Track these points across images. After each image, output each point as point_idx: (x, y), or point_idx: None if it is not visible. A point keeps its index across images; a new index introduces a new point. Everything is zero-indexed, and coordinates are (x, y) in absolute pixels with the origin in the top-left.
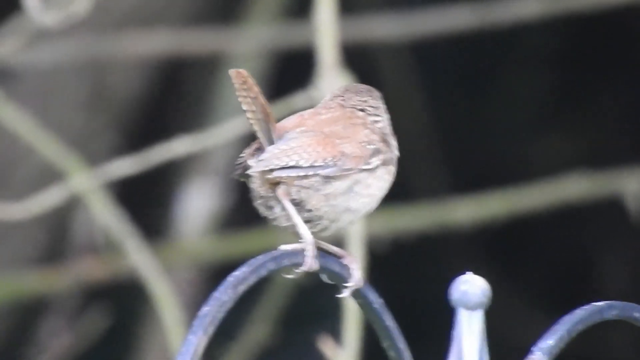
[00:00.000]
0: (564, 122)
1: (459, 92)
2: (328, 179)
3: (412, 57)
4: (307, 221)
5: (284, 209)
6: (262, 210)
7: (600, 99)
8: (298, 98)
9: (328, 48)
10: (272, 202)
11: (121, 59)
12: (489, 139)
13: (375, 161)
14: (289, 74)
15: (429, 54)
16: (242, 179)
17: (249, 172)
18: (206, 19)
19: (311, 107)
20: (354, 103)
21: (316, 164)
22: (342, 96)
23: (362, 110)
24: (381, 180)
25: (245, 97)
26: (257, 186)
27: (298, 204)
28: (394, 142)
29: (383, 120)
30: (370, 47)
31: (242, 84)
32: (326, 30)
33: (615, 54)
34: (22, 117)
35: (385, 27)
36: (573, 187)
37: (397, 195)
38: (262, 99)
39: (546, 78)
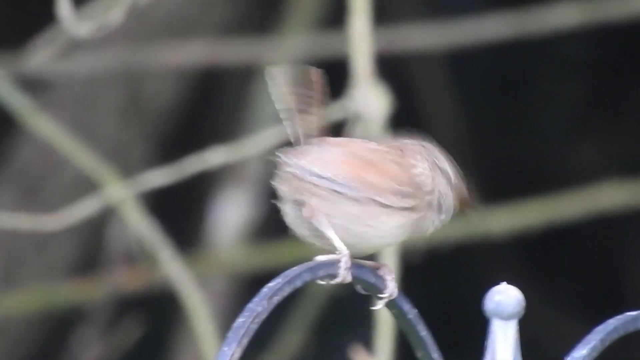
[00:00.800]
0: (599, 130)
1: (493, 101)
2: (343, 197)
3: (447, 66)
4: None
5: (311, 222)
6: (286, 217)
7: (635, 107)
8: (332, 108)
9: (363, 58)
10: (288, 207)
11: (156, 69)
12: (524, 148)
13: (398, 201)
14: (325, 83)
15: (464, 63)
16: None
17: (270, 159)
18: (241, 28)
19: (344, 117)
20: (414, 150)
21: (336, 179)
22: (406, 143)
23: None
24: (397, 221)
25: (286, 96)
26: (279, 185)
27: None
28: (432, 210)
29: (430, 178)
30: (405, 57)
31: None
32: (361, 40)
33: None
34: (56, 127)
35: (421, 37)
36: (608, 196)
37: None
38: (302, 102)
39: (581, 86)
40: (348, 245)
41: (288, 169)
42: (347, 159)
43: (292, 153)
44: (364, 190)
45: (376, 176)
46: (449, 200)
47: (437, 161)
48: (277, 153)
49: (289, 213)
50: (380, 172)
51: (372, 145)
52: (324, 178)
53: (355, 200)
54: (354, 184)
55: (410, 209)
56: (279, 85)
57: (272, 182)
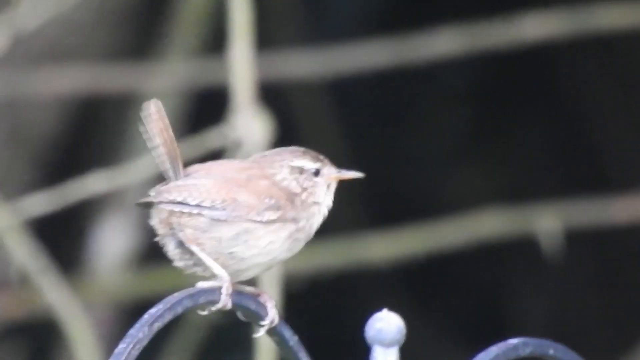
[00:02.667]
0: (480, 157)
1: (376, 128)
2: (215, 221)
3: (329, 92)
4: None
5: (190, 252)
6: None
7: (515, 135)
8: (212, 135)
9: (243, 85)
10: (166, 240)
11: (37, 96)
12: (407, 174)
13: (270, 215)
14: (205, 111)
15: (346, 90)
16: (144, 209)
17: (140, 201)
18: (123, 55)
19: (224, 145)
20: (271, 160)
21: (203, 204)
22: (264, 155)
23: (274, 168)
24: (274, 236)
25: (155, 129)
26: (155, 222)
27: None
28: (310, 206)
29: (294, 180)
30: (286, 84)
31: (156, 113)
32: (241, 67)
33: (531, 90)
34: None
35: (302, 64)
36: (488, 224)
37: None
38: (170, 135)
39: (462, 113)
40: (233, 269)
41: (161, 205)
42: (216, 183)
43: (162, 189)
44: (236, 211)
45: (246, 195)
46: (320, 187)
47: (290, 162)
48: (148, 192)
49: (169, 246)
50: (249, 190)
51: (236, 164)
52: (193, 206)
53: (229, 222)
54: (224, 206)
55: (285, 220)
56: (153, 122)
57: (149, 222)
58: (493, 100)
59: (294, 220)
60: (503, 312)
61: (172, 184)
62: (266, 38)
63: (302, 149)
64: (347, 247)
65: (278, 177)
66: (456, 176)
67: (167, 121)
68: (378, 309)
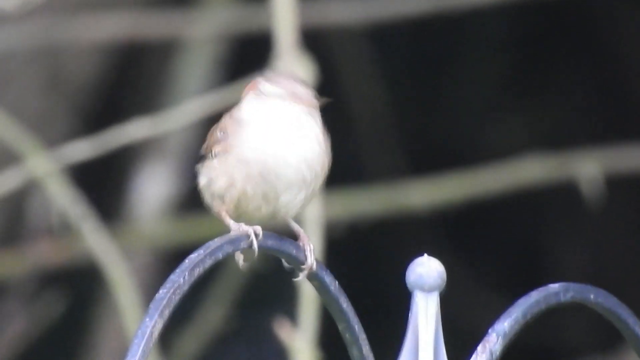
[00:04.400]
0: (520, 105)
1: (415, 76)
2: (200, 168)
3: (370, 39)
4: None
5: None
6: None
7: (555, 82)
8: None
9: (286, 31)
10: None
11: (77, 43)
12: (446, 122)
13: (217, 148)
14: (247, 57)
15: (386, 37)
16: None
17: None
18: (163, 2)
19: None
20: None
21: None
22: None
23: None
24: (229, 168)
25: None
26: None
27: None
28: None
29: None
30: (327, 31)
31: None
32: (284, 13)
33: (571, 38)
34: None
35: (343, 11)
36: (528, 170)
37: (353, 178)
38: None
39: (502, 61)
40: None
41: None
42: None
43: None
44: (205, 151)
45: (212, 134)
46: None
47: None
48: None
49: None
50: (215, 129)
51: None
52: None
53: (204, 165)
54: (203, 149)
55: (227, 149)
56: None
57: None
58: (533, 48)
59: (232, 147)
60: (543, 258)
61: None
62: None
63: (287, 77)
64: (387, 194)
65: (241, 106)
66: (496, 124)
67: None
68: (418, 254)
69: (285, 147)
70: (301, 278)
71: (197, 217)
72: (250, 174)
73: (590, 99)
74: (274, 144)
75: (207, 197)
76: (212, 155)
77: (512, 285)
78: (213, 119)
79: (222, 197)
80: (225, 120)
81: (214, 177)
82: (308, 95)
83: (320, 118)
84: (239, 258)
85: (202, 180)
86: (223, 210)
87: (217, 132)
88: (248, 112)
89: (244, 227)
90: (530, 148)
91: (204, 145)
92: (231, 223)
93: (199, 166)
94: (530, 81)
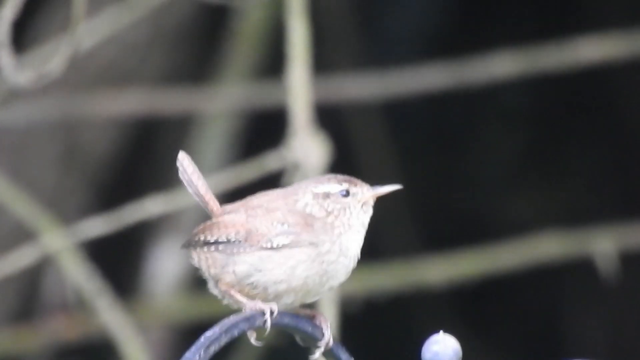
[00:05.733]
0: (537, 179)
1: (432, 149)
2: (230, 255)
3: (385, 114)
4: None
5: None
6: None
7: (572, 156)
8: (270, 158)
9: (301, 107)
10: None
11: (94, 118)
12: (462, 196)
13: (281, 240)
14: (262, 133)
15: (402, 112)
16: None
17: (183, 245)
18: (179, 77)
19: (282, 167)
20: (298, 188)
21: (220, 240)
22: (300, 183)
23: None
24: (292, 261)
25: (184, 179)
26: (196, 261)
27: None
28: (336, 228)
29: (317, 205)
30: (343, 107)
31: (188, 165)
32: (299, 89)
33: (588, 112)
34: None
35: (359, 87)
36: (545, 247)
37: (369, 254)
38: (199, 183)
39: (519, 136)
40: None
41: (186, 244)
42: (240, 218)
43: (196, 229)
44: (248, 241)
45: (260, 224)
46: (351, 208)
47: (314, 189)
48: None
49: (212, 289)
50: (264, 219)
51: (272, 194)
52: (212, 243)
53: (243, 253)
54: (238, 238)
55: (300, 244)
56: (188, 172)
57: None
58: (550, 122)
59: (313, 244)
60: (560, 334)
61: (205, 224)
62: (323, 61)
63: (330, 175)
64: (403, 269)
65: (300, 203)
66: (512, 198)
67: (197, 170)
68: (434, 331)
69: (353, 248)
70: (318, 355)
71: (210, 293)
72: (317, 273)
73: (607, 173)
74: (353, 247)
75: (227, 281)
76: (272, 246)
77: (529, 359)
78: (229, 195)
79: (265, 288)
80: (284, 213)
81: (268, 269)
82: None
83: None
84: (251, 335)
85: (240, 269)
86: (233, 290)
87: (274, 223)
88: (346, 217)
89: (260, 305)
90: (547, 222)
91: (235, 232)
92: (245, 301)
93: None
94: (547, 157)
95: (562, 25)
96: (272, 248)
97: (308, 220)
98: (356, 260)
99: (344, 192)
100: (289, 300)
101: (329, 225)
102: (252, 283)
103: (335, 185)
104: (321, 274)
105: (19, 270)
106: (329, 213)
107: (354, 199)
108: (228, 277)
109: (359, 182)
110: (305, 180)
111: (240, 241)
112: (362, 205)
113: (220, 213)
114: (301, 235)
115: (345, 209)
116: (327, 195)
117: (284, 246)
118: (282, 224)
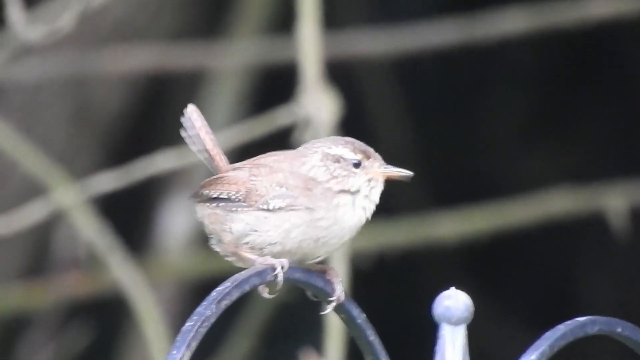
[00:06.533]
0: (548, 136)
1: (442, 107)
2: (229, 212)
3: (396, 72)
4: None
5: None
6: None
7: (583, 114)
8: (281, 113)
9: (311, 64)
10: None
11: (105, 75)
12: (473, 155)
13: (277, 203)
14: (273, 89)
15: (413, 69)
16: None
17: (189, 198)
18: (190, 34)
19: (293, 123)
20: (311, 147)
21: (221, 196)
22: (315, 141)
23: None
24: (288, 224)
25: (190, 134)
26: (200, 216)
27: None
28: (335, 195)
29: (323, 167)
30: (354, 63)
31: (197, 118)
32: (309, 45)
33: (598, 69)
34: (5, 131)
35: (369, 43)
36: (557, 203)
37: (381, 210)
38: (207, 137)
39: (530, 94)
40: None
41: (191, 198)
42: (244, 176)
43: (201, 183)
44: (247, 200)
45: (261, 184)
46: (356, 178)
47: (327, 149)
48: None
49: (214, 246)
50: (267, 180)
51: (282, 154)
52: (213, 199)
53: (241, 212)
54: (238, 196)
55: (295, 207)
56: (196, 126)
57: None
58: (560, 79)
59: (309, 209)
60: (570, 291)
61: (210, 178)
62: (334, 17)
63: (350, 140)
64: (414, 226)
65: (306, 166)
66: (523, 156)
67: (206, 124)
68: (445, 287)
69: (350, 220)
70: (329, 310)
71: None
72: (311, 238)
73: (617, 132)
74: (348, 218)
75: (226, 240)
76: (269, 207)
77: (540, 317)
78: (239, 151)
79: (260, 249)
80: (285, 176)
81: (264, 230)
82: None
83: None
84: (263, 290)
85: (237, 227)
86: (242, 250)
87: (273, 185)
88: (349, 185)
89: (270, 260)
90: (558, 180)
91: (236, 191)
92: (255, 257)
93: (228, 211)
94: (558, 113)
95: None
96: (268, 210)
97: (309, 185)
98: (353, 233)
99: (356, 162)
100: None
101: (329, 192)
102: (248, 243)
103: (349, 152)
104: (315, 239)
105: (30, 226)
106: (332, 177)
107: (362, 171)
108: (227, 236)
109: (374, 155)
110: (323, 139)
111: (239, 200)
112: (369, 180)
113: (227, 170)
114: (298, 199)
115: (350, 178)
116: (337, 159)
117: (279, 209)
118: (281, 186)
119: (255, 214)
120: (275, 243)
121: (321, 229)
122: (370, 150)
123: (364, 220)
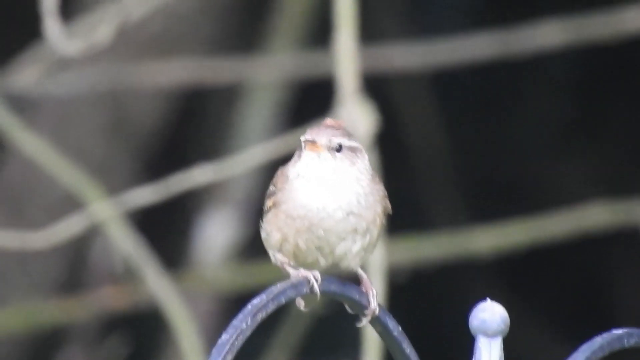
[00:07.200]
0: (583, 149)
1: (478, 120)
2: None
3: (431, 84)
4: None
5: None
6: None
7: (618, 127)
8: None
9: (348, 76)
10: None
11: (141, 88)
12: (509, 166)
13: (268, 203)
14: (310, 102)
15: (448, 81)
16: None
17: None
18: (227, 46)
19: None
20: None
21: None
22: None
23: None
24: (281, 222)
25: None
26: None
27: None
28: (286, 182)
29: (297, 156)
30: (390, 76)
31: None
32: (346, 58)
33: (636, 81)
34: (42, 145)
35: (405, 56)
36: (592, 216)
37: (416, 223)
38: None
39: (566, 105)
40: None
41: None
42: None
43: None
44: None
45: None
46: (304, 158)
47: (303, 137)
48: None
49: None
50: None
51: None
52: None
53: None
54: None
55: (278, 204)
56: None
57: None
58: (596, 92)
59: (283, 202)
60: (606, 304)
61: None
62: (370, 30)
63: (333, 121)
64: (450, 239)
65: (294, 157)
66: (558, 168)
67: None
68: (481, 298)
69: (326, 201)
70: (364, 323)
71: (259, 262)
72: (299, 229)
73: None
74: (314, 198)
75: (267, 249)
76: (266, 209)
77: (576, 329)
78: (276, 165)
79: (280, 250)
80: (277, 174)
81: (270, 231)
82: (333, 141)
83: (369, 165)
84: (300, 303)
85: (263, 234)
86: (284, 261)
87: (270, 185)
88: (292, 167)
89: (303, 272)
90: (593, 192)
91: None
92: (290, 270)
93: (261, 219)
94: (594, 125)
95: None
96: (265, 210)
97: (287, 179)
98: (349, 208)
99: (303, 143)
100: (317, 265)
101: (289, 180)
102: (271, 247)
103: (303, 136)
104: (305, 228)
105: (67, 240)
106: (293, 163)
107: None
108: (265, 244)
109: (311, 132)
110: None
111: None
112: (306, 155)
113: None
114: (277, 194)
115: (297, 161)
116: (302, 145)
117: (270, 208)
118: (273, 185)
119: (264, 218)
120: (282, 241)
121: (300, 219)
122: (318, 127)
123: (363, 198)
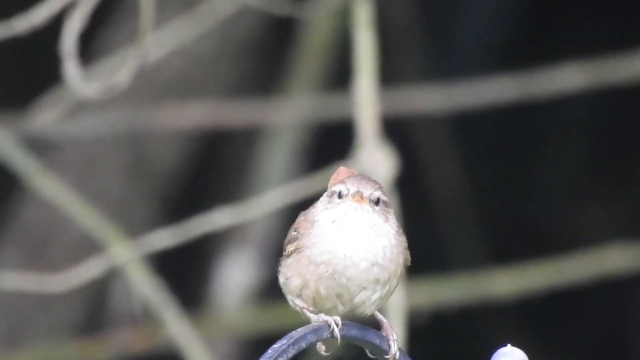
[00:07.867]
0: (603, 192)
1: (498, 162)
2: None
3: (452, 125)
4: None
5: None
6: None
7: (639, 170)
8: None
9: (368, 119)
10: None
11: (161, 130)
12: (528, 209)
13: (289, 247)
14: (329, 145)
15: (468, 124)
16: None
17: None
18: (246, 89)
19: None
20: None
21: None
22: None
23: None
24: (302, 268)
25: None
26: None
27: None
28: (310, 227)
29: (322, 204)
30: (410, 118)
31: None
32: (365, 101)
33: None
34: (61, 187)
35: (425, 99)
36: (612, 259)
37: (436, 265)
38: None
39: (585, 148)
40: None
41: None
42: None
43: None
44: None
45: (289, 232)
46: (337, 208)
47: (332, 187)
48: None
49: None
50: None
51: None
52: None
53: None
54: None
55: (300, 249)
56: None
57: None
58: (616, 134)
59: (307, 248)
60: (628, 346)
61: None
62: (390, 73)
63: (362, 176)
64: (470, 282)
65: (315, 207)
66: (579, 210)
67: None
68: (502, 343)
69: (354, 250)
70: None
71: (279, 305)
72: (321, 276)
73: None
74: (342, 247)
75: (285, 294)
76: (287, 253)
77: None
78: (295, 208)
79: (299, 296)
80: (299, 219)
81: (290, 276)
82: (374, 194)
83: (394, 216)
84: (321, 348)
85: (281, 279)
86: (303, 306)
87: (291, 230)
88: (318, 213)
89: (324, 317)
90: (613, 234)
91: (284, 242)
92: (311, 315)
93: (279, 263)
94: (613, 169)
95: (631, 36)
96: (286, 255)
97: (311, 224)
98: (375, 259)
99: (338, 192)
100: (335, 311)
101: (318, 225)
102: (290, 292)
103: (340, 185)
104: (329, 275)
105: (87, 282)
106: (324, 209)
107: (343, 200)
108: (284, 289)
109: (358, 184)
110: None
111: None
112: (346, 207)
113: None
114: (301, 240)
115: (333, 210)
116: (332, 194)
117: (291, 253)
118: (295, 230)
119: (283, 262)
120: (302, 287)
121: (325, 265)
122: (358, 179)
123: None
